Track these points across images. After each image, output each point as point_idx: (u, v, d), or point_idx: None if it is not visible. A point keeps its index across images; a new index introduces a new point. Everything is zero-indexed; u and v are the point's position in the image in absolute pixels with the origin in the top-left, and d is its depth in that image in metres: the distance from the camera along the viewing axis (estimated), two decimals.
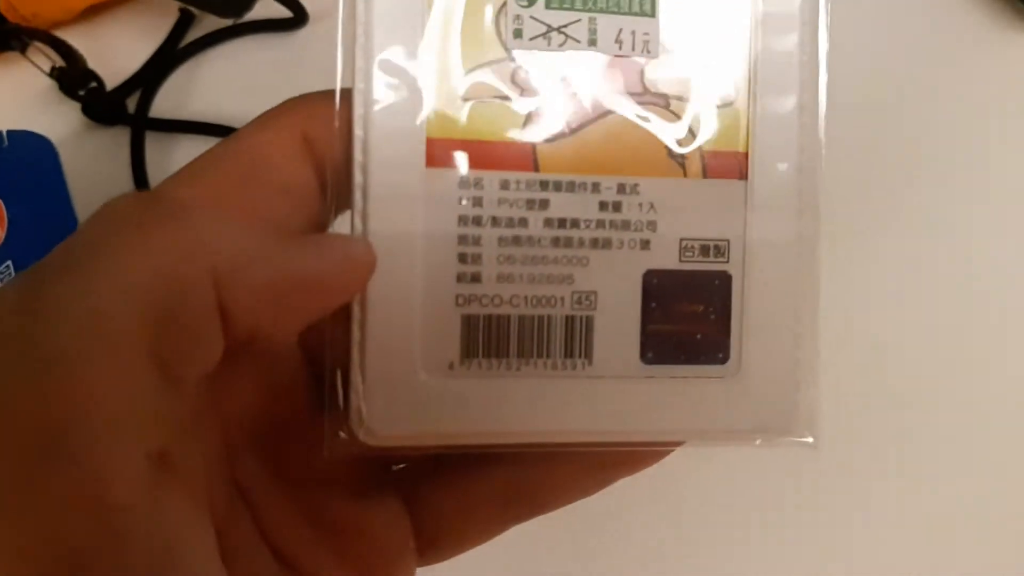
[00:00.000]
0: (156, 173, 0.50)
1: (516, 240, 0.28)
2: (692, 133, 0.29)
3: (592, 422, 0.29)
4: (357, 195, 0.27)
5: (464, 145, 0.28)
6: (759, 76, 0.29)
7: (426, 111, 0.27)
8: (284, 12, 0.51)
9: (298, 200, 0.27)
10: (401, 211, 0.27)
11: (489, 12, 0.28)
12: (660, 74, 0.28)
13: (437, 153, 0.28)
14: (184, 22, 0.52)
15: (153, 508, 0.22)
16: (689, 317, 0.29)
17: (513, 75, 0.28)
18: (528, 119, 0.28)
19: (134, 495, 0.22)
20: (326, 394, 0.28)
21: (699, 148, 0.29)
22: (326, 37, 0.28)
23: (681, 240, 0.29)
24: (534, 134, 0.28)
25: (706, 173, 0.29)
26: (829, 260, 0.30)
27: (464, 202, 0.28)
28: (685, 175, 0.29)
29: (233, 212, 0.26)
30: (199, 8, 0.52)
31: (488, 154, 0.28)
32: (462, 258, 0.28)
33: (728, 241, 0.29)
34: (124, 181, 0.50)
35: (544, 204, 0.28)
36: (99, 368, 0.22)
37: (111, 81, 0.51)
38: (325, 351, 0.28)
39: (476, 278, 0.28)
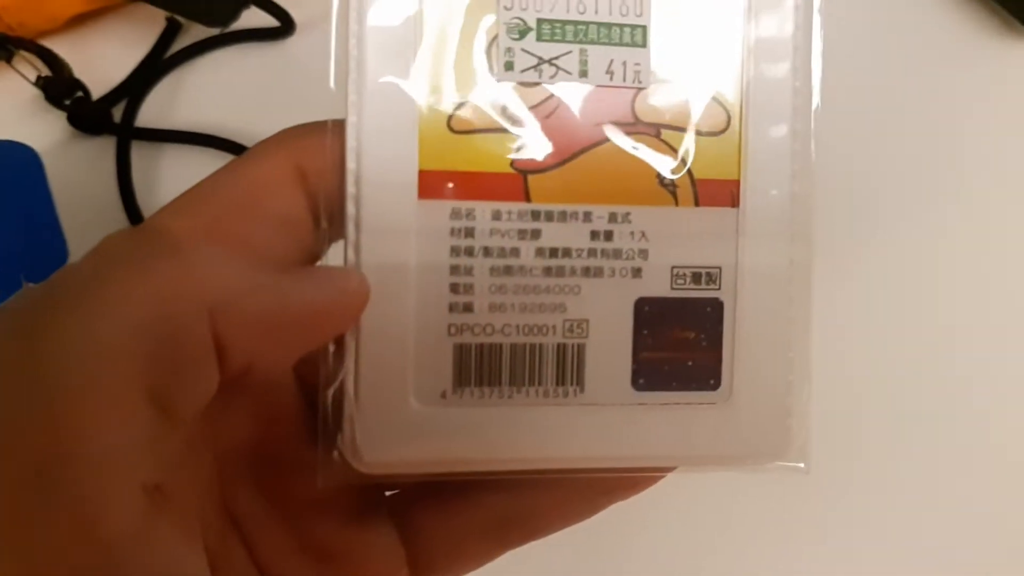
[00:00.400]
0: (142, 183, 0.50)
1: (508, 270, 0.28)
2: (683, 162, 0.29)
3: (584, 448, 0.29)
4: (350, 227, 0.27)
5: (456, 176, 0.28)
6: (751, 103, 0.29)
7: (418, 143, 0.28)
8: (271, 21, 0.51)
9: (292, 231, 0.27)
10: (394, 243, 0.28)
11: (480, 45, 0.28)
12: (651, 104, 0.29)
13: (429, 185, 0.28)
14: (171, 31, 0.52)
15: (147, 539, 0.22)
16: (681, 344, 0.29)
17: (504, 107, 0.28)
18: (519, 150, 0.28)
19: (129, 526, 0.22)
20: (320, 423, 0.28)
21: (690, 176, 0.29)
22: (313, 46, 0.28)
23: (672, 268, 0.29)
24: (525, 165, 0.28)
25: (698, 201, 0.29)
26: (822, 283, 0.30)
27: (456, 233, 0.28)
28: (677, 203, 0.29)
29: (228, 245, 0.26)
30: (186, 17, 0.51)
31: (480, 185, 0.28)
32: (454, 288, 0.28)
33: (720, 268, 0.29)
34: (109, 191, 0.50)
35: (536, 234, 0.28)
36: (96, 404, 0.22)
37: (97, 90, 0.51)
38: (319, 380, 0.28)
39: (468, 308, 0.28)
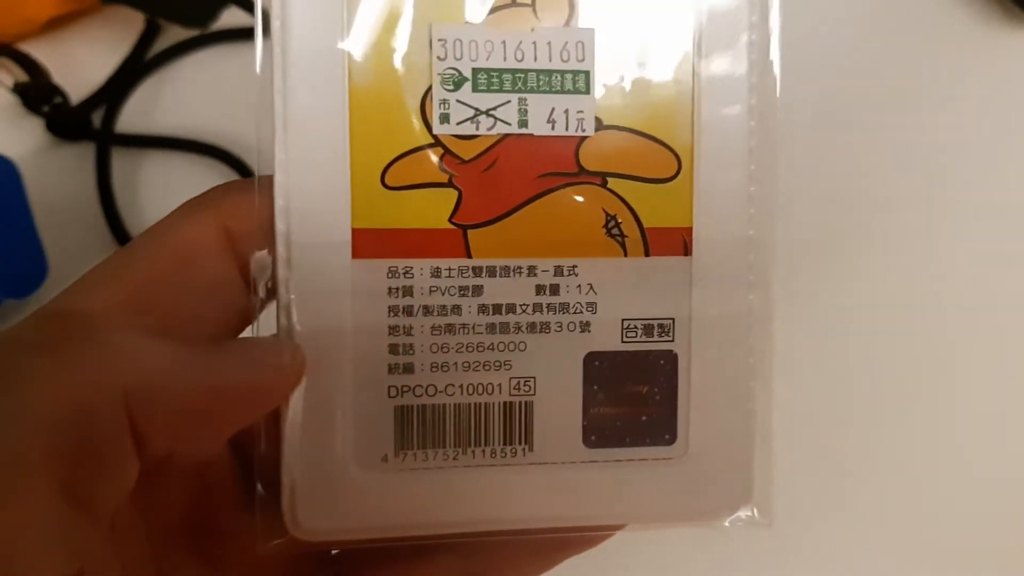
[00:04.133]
0: (123, 190, 0.50)
1: (450, 328, 0.28)
2: (632, 210, 0.29)
3: (535, 509, 0.29)
4: (282, 290, 0.27)
5: (391, 234, 0.28)
6: (702, 147, 0.29)
7: (350, 201, 0.28)
8: (251, 21, 0.50)
9: (223, 297, 0.27)
10: (328, 305, 0.28)
11: (415, 98, 0.28)
12: (596, 152, 0.28)
13: (363, 244, 0.28)
14: (150, 33, 0.52)
15: None
16: (633, 399, 0.29)
17: (441, 161, 0.28)
18: (458, 204, 0.28)
19: None
20: (257, 491, 0.28)
21: (639, 225, 0.29)
22: None
23: (623, 321, 0.29)
24: (465, 219, 0.28)
25: (648, 251, 0.29)
26: (791, 323, 0.30)
27: (394, 292, 0.28)
28: (625, 254, 0.29)
29: (152, 318, 0.26)
30: (164, 19, 0.51)
31: (417, 242, 0.28)
32: (393, 349, 0.28)
33: (673, 320, 0.29)
34: (89, 199, 0.50)
35: (478, 290, 0.28)
36: (2, 505, 0.22)
37: (76, 95, 0.51)
38: (255, 447, 0.28)
39: (408, 369, 0.28)
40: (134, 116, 0.52)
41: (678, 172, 0.29)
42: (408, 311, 0.28)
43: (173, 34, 0.52)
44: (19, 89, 0.50)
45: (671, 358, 0.29)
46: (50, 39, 0.52)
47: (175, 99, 0.52)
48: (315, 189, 0.27)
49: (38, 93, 0.51)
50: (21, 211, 0.48)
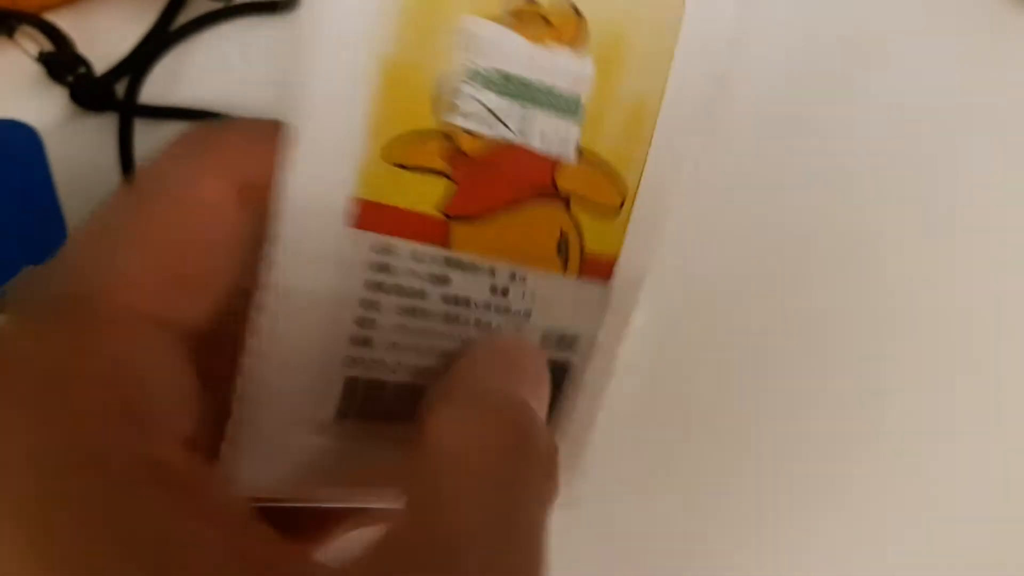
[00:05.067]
0: (144, 161, 0.51)
1: (412, 311, 0.30)
2: (580, 235, 0.33)
3: None
4: (273, 245, 0.28)
5: (384, 210, 0.29)
6: (646, 180, 0.33)
7: (354, 170, 0.28)
8: None
9: (243, 254, 0.28)
10: (312, 267, 0.28)
11: (433, 81, 0.29)
12: (569, 175, 0.31)
13: (358, 214, 0.29)
14: (175, 3, 0.53)
15: None
16: None
17: (443, 149, 0.29)
18: (450, 194, 0.30)
19: None
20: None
21: (581, 249, 0.33)
22: None
23: (546, 329, 0.33)
24: (453, 211, 0.30)
25: (581, 273, 0.33)
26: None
27: (374, 267, 0.29)
28: (564, 272, 0.33)
29: (172, 284, 0.27)
30: None
31: (406, 223, 0.29)
32: (359, 322, 0.30)
33: (579, 336, 0.34)
34: (111, 170, 0.52)
35: (445, 280, 0.30)
36: None
37: (100, 65, 0.53)
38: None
39: (367, 343, 0.30)
40: (158, 87, 0.54)
41: (622, 205, 0.33)
42: (382, 288, 0.29)
43: (199, 5, 0.54)
44: (43, 59, 0.52)
45: (564, 367, 0.34)
46: (75, 9, 0.54)
47: (199, 71, 0.54)
48: (325, 152, 0.28)
49: (62, 63, 0.52)
50: (43, 180, 0.50)
